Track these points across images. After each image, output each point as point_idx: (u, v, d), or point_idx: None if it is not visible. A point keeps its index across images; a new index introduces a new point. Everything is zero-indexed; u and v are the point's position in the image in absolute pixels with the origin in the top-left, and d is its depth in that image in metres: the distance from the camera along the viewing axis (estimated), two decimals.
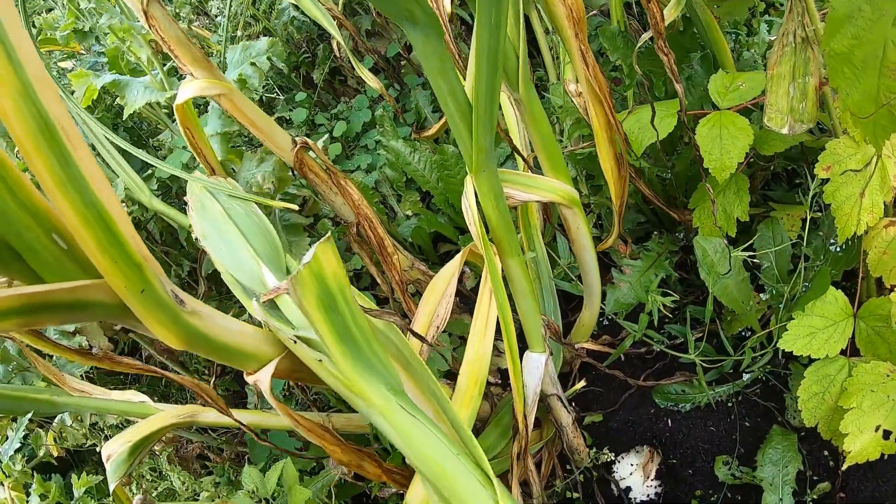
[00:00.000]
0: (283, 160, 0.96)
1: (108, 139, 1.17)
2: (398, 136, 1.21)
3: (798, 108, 0.94)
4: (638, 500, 1.05)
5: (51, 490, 1.07)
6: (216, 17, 1.41)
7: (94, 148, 1.20)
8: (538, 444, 1.03)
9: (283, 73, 1.42)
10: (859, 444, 0.90)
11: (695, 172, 1.04)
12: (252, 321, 0.71)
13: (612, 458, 1.02)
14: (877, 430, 0.90)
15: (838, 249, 0.99)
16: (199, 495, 1.07)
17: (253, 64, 0.97)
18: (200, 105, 1.27)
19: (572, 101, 1.02)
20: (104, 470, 0.94)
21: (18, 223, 0.47)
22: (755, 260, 1.03)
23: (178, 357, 1.28)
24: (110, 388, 1.11)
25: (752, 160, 1.08)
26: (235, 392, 1.30)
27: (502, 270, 0.85)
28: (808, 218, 0.95)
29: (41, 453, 1.22)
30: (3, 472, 1.12)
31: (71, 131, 0.45)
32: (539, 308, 0.88)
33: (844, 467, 0.90)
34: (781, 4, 1.42)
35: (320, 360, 0.58)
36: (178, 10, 1.39)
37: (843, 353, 0.93)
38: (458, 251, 0.99)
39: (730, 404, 1.06)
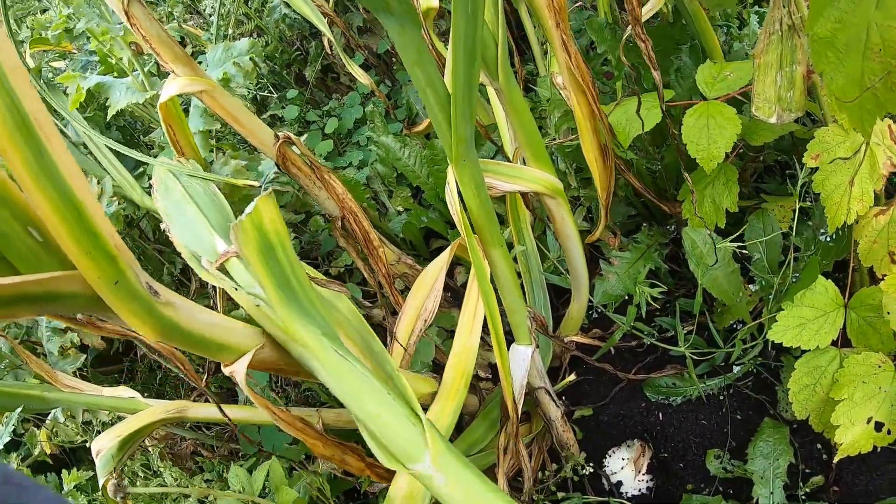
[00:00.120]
0: (268, 156, 0.95)
1: (99, 138, 1.17)
2: (388, 132, 1.20)
3: (786, 97, 0.93)
4: (629, 495, 1.03)
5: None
6: (210, 15, 1.41)
7: (85, 146, 1.20)
8: (527, 437, 1.02)
9: (275, 70, 1.41)
10: (851, 437, 0.88)
11: (686, 164, 1.02)
12: (239, 315, 0.71)
13: (593, 469, 1.00)
14: (868, 421, 0.88)
15: (828, 239, 0.97)
16: (188, 496, 1.06)
17: (236, 63, 0.97)
18: (185, 105, 1.27)
19: (560, 94, 1.01)
20: None
21: None
22: (746, 252, 1.01)
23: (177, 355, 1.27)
24: (105, 386, 1.11)
25: (741, 151, 1.06)
26: (229, 389, 1.29)
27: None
28: (798, 208, 0.94)
29: (36, 451, 1.22)
30: None
31: (46, 125, 0.45)
32: (524, 300, 0.86)
33: (836, 460, 0.88)
34: None
35: (258, 305, 0.60)
36: (170, 9, 1.39)
37: (834, 344, 0.91)
38: (449, 246, 0.98)
39: (721, 397, 1.04)
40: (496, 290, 0.88)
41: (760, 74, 0.93)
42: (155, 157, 1.24)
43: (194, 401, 1.23)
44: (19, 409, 1.13)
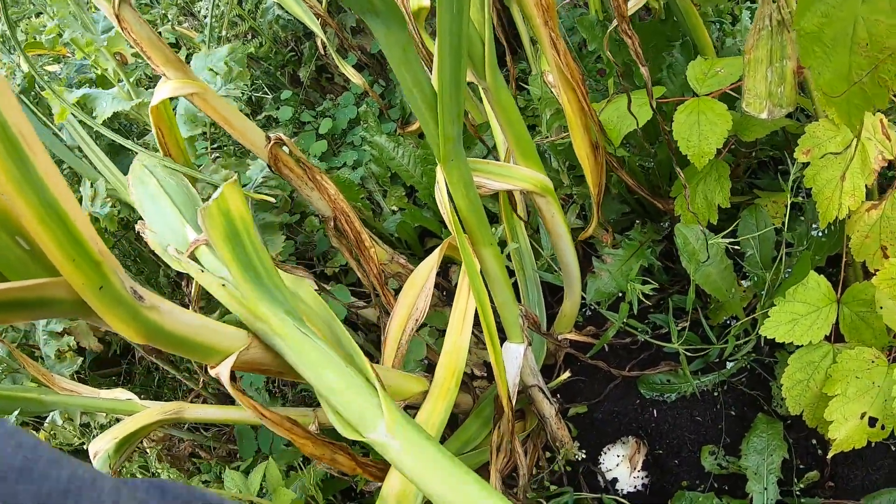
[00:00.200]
0: (260, 157, 0.95)
1: (93, 141, 1.18)
2: (382, 132, 1.20)
3: (777, 93, 0.92)
4: (625, 492, 1.03)
5: None
6: (204, 17, 1.41)
7: (80, 149, 1.20)
8: (521, 434, 1.02)
9: (270, 71, 1.42)
10: (844, 432, 0.87)
11: (678, 160, 1.02)
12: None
13: (584, 456, 1.00)
14: (862, 417, 0.87)
15: (821, 234, 0.97)
16: None
17: (210, 69, 0.98)
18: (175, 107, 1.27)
19: (551, 92, 1.00)
20: None
21: None
22: (740, 248, 1.01)
23: (169, 357, 1.28)
24: (102, 389, 1.11)
25: (734, 147, 1.06)
26: (226, 392, 1.29)
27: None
28: (790, 203, 0.93)
29: None
30: None
31: (29, 137, 0.46)
32: (515, 298, 0.86)
33: (830, 455, 0.87)
34: None
35: (224, 285, 0.64)
36: (164, 11, 1.39)
37: (827, 339, 0.91)
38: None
39: (715, 393, 1.04)
40: (488, 290, 0.88)
41: (751, 70, 0.92)
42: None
43: (192, 402, 1.24)
44: (17, 412, 1.14)
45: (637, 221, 1.10)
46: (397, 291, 1.01)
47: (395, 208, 1.22)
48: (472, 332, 0.98)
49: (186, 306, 1.28)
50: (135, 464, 1.17)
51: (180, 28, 1.40)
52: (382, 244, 1.02)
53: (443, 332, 1.08)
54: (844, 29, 0.70)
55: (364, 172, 1.24)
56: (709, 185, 1.01)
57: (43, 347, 1.12)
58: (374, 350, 1.15)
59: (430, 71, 0.84)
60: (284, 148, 0.94)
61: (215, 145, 1.19)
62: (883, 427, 0.87)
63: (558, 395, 1.11)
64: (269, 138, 0.92)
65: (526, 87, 1.16)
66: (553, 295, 1.17)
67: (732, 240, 0.93)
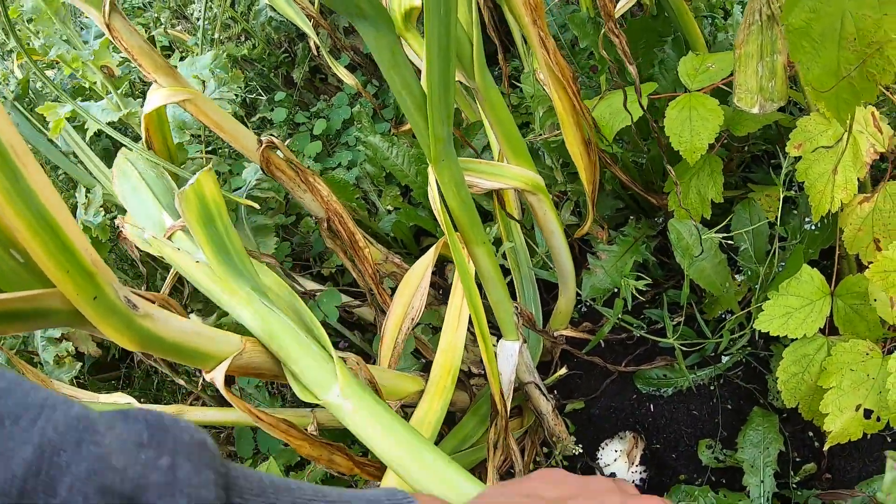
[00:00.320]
0: (252, 161, 0.95)
1: (88, 146, 1.18)
2: (376, 132, 1.20)
3: (768, 87, 0.92)
4: None
5: None
6: (197, 20, 1.41)
7: (75, 155, 1.20)
8: (519, 431, 1.02)
9: (263, 73, 1.42)
10: (840, 424, 0.88)
11: (668, 156, 1.02)
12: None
13: (581, 451, 1.01)
14: (857, 409, 0.88)
15: (814, 228, 0.97)
16: None
17: (195, 76, 0.98)
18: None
19: (543, 89, 1.01)
20: None
21: None
22: (733, 243, 1.01)
23: (168, 360, 1.28)
24: (102, 393, 1.12)
25: (726, 142, 1.06)
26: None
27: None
28: (782, 197, 0.93)
29: None
30: None
31: (21, 150, 0.47)
32: (509, 296, 0.86)
33: (826, 448, 0.88)
34: None
35: (198, 262, 0.70)
36: (157, 15, 1.39)
37: (821, 332, 0.91)
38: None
39: (712, 388, 1.05)
40: (482, 288, 0.89)
41: (741, 65, 0.93)
42: None
43: (191, 405, 1.24)
44: None
45: (631, 217, 1.10)
46: (394, 291, 1.01)
47: (390, 208, 1.22)
48: (470, 330, 0.99)
49: (185, 307, 1.29)
50: None
51: (173, 31, 1.40)
52: (377, 244, 1.02)
53: (439, 331, 1.08)
54: (832, 24, 0.70)
55: (359, 172, 1.24)
56: (702, 180, 1.01)
57: (42, 353, 1.13)
58: (370, 350, 1.15)
59: (420, 72, 0.84)
60: (279, 152, 0.94)
61: (210, 149, 1.20)
62: (878, 419, 0.87)
63: (555, 392, 1.12)
64: (260, 142, 0.93)
65: (519, 84, 1.17)
66: (549, 292, 1.18)
67: (726, 234, 0.94)
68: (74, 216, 1.24)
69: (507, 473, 1.00)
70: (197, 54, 1.17)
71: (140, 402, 1.06)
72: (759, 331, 0.89)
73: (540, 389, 0.95)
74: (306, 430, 0.79)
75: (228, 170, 1.14)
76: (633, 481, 1.03)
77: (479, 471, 0.97)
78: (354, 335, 1.15)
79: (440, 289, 1.20)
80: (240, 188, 1.11)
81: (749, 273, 0.96)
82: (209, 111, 0.94)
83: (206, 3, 1.20)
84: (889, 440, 0.98)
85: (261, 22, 1.37)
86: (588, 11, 1.07)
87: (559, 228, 0.89)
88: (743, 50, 0.92)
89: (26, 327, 0.58)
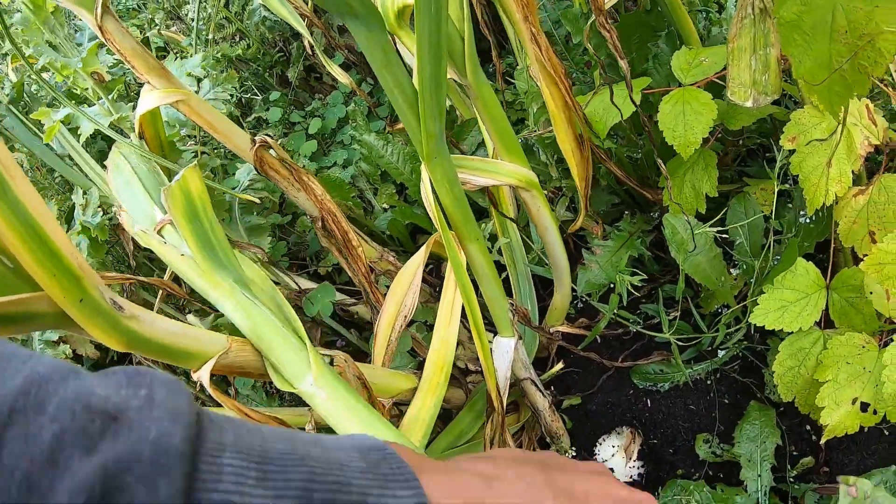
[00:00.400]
0: (246, 160, 0.95)
1: (84, 149, 1.18)
2: (370, 130, 1.19)
3: (761, 81, 0.92)
4: (621, 482, 1.03)
5: None
6: (192, 21, 1.41)
7: (70, 158, 1.20)
8: (515, 426, 1.02)
9: (258, 72, 1.41)
10: (836, 418, 0.87)
11: (659, 151, 1.01)
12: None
13: (574, 452, 1.01)
14: (854, 402, 0.87)
15: (808, 221, 0.96)
16: None
17: (190, 75, 0.98)
18: None
19: (537, 86, 1.00)
20: None
21: None
22: (729, 237, 1.01)
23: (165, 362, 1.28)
24: None
25: (721, 136, 1.05)
26: (223, 391, 1.30)
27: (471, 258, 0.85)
28: (776, 190, 0.93)
29: None
30: None
31: (6, 160, 0.50)
32: (504, 292, 0.86)
33: (822, 441, 0.87)
34: None
35: (182, 255, 0.73)
36: (151, 16, 1.39)
37: (817, 325, 0.91)
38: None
39: (708, 382, 1.04)
40: (477, 285, 0.89)
41: (734, 58, 0.92)
42: None
43: None
44: None
45: (626, 212, 1.10)
46: (388, 288, 1.01)
47: (386, 206, 1.22)
48: (466, 327, 0.99)
49: (183, 309, 1.29)
50: None
51: (168, 32, 1.39)
52: (371, 242, 1.02)
53: (431, 328, 1.08)
54: (823, 17, 0.70)
55: (355, 171, 1.24)
56: (696, 174, 1.00)
57: None
58: (368, 348, 1.15)
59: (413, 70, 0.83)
60: (273, 152, 0.94)
61: (206, 149, 1.19)
62: (875, 412, 0.87)
63: (552, 388, 1.11)
64: (254, 141, 0.92)
65: (514, 81, 1.16)
66: (545, 288, 1.17)
67: (720, 228, 0.93)
68: (72, 217, 1.24)
69: None
70: (191, 55, 1.17)
71: None
72: (755, 325, 0.89)
73: (536, 385, 0.95)
74: (304, 428, 0.79)
75: (221, 166, 1.14)
76: (631, 476, 1.03)
77: None
78: (351, 333, 1.15)
79: (435, 286, 1.20)
80: (234, 188, 1.11)
81: (744, 267, 0.96)
82: (202, 111, 0.94)
83: (200, 3, 1.20)
84: (886, 433, 0.98)
85: (255, 22, 1.36)
86: (581, 7, 1.06)
87: (553, 224, 0.88)
88: (736, 43, 0.92)
89: (16, 330, 0.59)
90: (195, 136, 1.17)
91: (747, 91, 0.92)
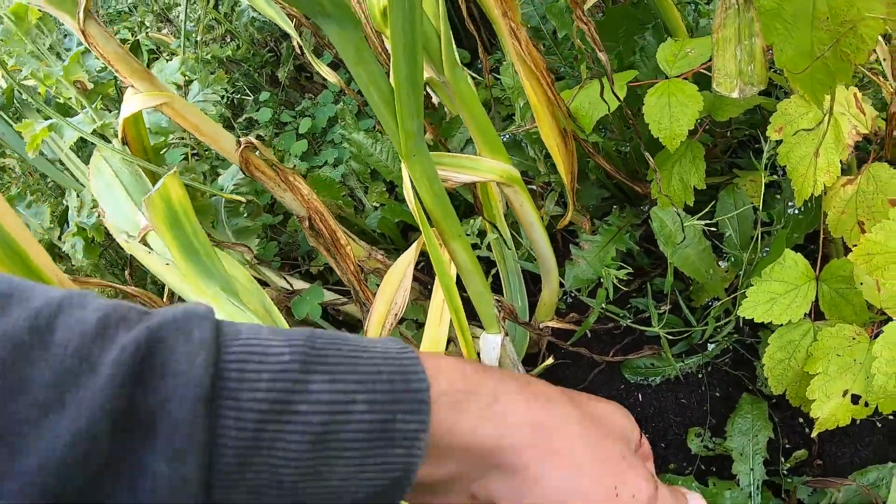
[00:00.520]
0: (232, 162, 0.94)
1: (74, 153, 1.17)
2: (359, 129, 1.18)
3: (747, 71, 0.90)
4: None
5: None
6: (182, 22, 1.40)
7: (61, 162, 1.20)
8: None
9: (249, 73, 1.40)
10: (827, 410, 0.86)
11: (645, 144, 1.00)
12: None
13: None
14: (844, 394, 0.86)
15: (797, 212, 0.94)
16: None
17: (185, 75, 0.98)
18: None
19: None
20: None
21: None
22: (718, 229, 0.99)
23: None
24: None
25: (709, 128, 1.03)
26: None
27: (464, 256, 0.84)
28: (763, 182, 0.91)
29: None
30: None
31: None
32: (489, 289, 0.85)
33: (814, 434, 0.86)
34: None
35: (167, 264, 0.72)
36: (141, 19, 1.38)
37: (807, 317, 0.89)
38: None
39: (700, 375, 1.03)
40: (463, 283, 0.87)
41: (719, 49, 0.90)
42: None
43: None
44: None
45: (615, 206, 1.08)
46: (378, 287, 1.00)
47: (376, 204, 1.21)
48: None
49: None
50: None
51: (159, 35, 1.38)
52: (360, 241, 1.01)
53: (421, 326, 1.07)
54: (804, 4, 0.68)
55: (345, 170, 1.23)
56: (684, 166, 0.99)
57: None
58: None
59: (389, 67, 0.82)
60: (259, 153, 0.93)
61: (195, 152, 1.19)
62: (867, 404, 0.85)
63: None
64: (239, 142, 0.91)
65: (499, 77, 1.15)
66: (537, 284, 1.16)
67: (708, 221, 0.92)
68: (66, 220, 1.24)
69: None
70: (180, 57, 1.16)
71: None
72: (745, 318, 0.87)
73: None
74: None
75: (212, 168, 1.13)
76: None
77: None
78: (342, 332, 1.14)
79: (427, 284, 1.19)
80: (221, 190, 1.10)
81: (732, 259, 0.94)
82: (187, 114, 0.93)
83: (187, 4, 1.19)
84: (880, 425, 0.96)
85: (244, 22, 1.35)
86: (566, 0, 1.04)
87: (537, 220, 0.87)
88: (720, 34, 0.90)
89: None
90: (185, 140, 1.16)
91: (733, 82, 0.90)
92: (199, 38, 1.26)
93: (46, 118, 1.12)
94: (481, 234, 1.06)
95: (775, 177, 0.95)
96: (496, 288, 1.15)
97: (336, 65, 1.39)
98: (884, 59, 0.94)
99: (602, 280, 0.96)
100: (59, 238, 1.19)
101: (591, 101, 0.98)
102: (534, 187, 1.12)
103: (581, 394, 0.45)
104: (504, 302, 0.87)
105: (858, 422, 0.85)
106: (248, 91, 1.41)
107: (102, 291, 1.07)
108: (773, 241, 0.90)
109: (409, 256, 0.94)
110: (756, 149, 1.16)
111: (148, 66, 1.39)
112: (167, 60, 1.25)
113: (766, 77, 0.91)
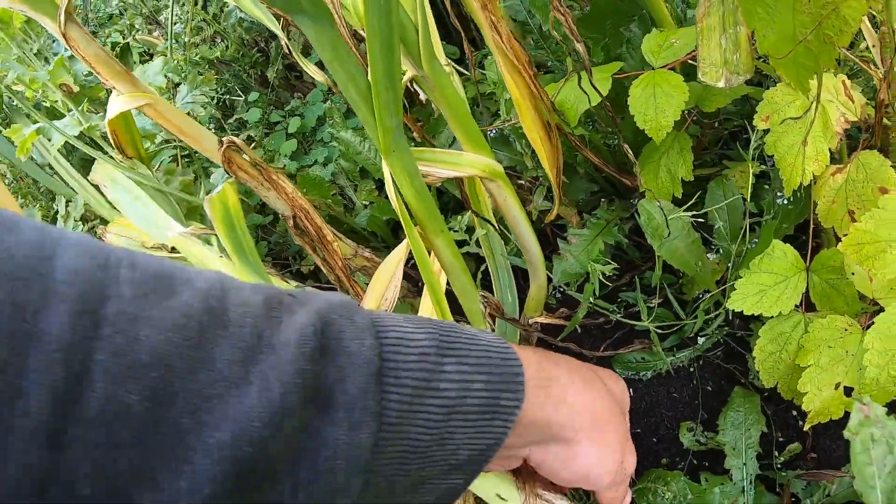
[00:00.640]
0: (216, 162, 0.93)
1: (64, 158, 1.16)
2: (347, 127, 1.16)
3: (732, 60, 0.87)
4: None
5: None
6: (174, 24, 1.39)
7: (51, 167, 1.18)
8: None
9: (238, 73, 1.39)
10: (819, 403, 0.83)
11: (642, 137, 0.98)
12: None
13: None
14: (836, 387, 0.83)
15: (786, 202, 0.92)
16: None
17: (178, 76, 0.96)
18: None
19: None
20: None
21: None
22: (708, 221, 0.97)
23: None
24: None
25: (697, 119, 1.01)
26: None
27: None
28: (751, 172, 0.89)
29: None
30: None
31: None
32: (473, 284, 0.83)
33: (806, 427, 0.84)
34: None
35: (221, 256, 0.81)
36: (130, 22, 1.37)
37: (798, 309, 0.87)
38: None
39: (691, 369, 1.00)
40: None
41: (704, 38, 0.87)
42: None
43: None
44: None
45: (603, 200, 1.06)
46: (367, 286, 0.98)
47: (366, 202, 1.19)
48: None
49: None
50: None
51: (149, 37, 1.37)
52: (345, 239, 0.99)
53: None
54: None
55: (335, 168, 1.21)
56: (671, 158, 0.96)
57: None
58: None
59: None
60: (245, 153, 0.91)
61: (186, 153, 1.17)
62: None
63: None
64: (221, 142, 0.90)
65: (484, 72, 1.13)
66: (527, 279, 1.14)
67: (696, 213, 0.89)
68: (56, 224, 1.23)
69: None
70: (140, 67, 1.15)
71: None
72: (734, 310, 0.85)
73: None
74: None
75: (203, 169, 1.11)
76: None
77: None
78: None
79: (417, 282, 1.17)
80: (209, 191, 1.08)
81: (719, 251, 0.92)
82: (169, 115, 0.91)
83: (174, 6, 1.18)
84: None
85: (231, 23, 1.34)
86: None
87: (521, 214, 0.85)
88: (705, 23, 0.87)
89: None
90: (174, 141, 1.15)
91: (719, 71, 0.88)
92: (187, 40, 1.24)
93: (35, 122, 1.11)
94: (470, 230, 1.04)
95: (764, 167, 0.92)
96: (487, 284, 1.13)
97: (324, 64, 1.37)
98: (873, 46, 0.91)
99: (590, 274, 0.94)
100: None
101: (575, 94, 0.96)
102: (523, 182, 1.10)
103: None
104: (490, 298, 0.85)
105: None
106: (239, 92, 1.39)
107: None
108: (761, 232, 0.87)
109: (400, 252, 0.92)
110: (746, 139, 1.13)
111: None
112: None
113: (752, 65, 0.88)
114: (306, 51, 1.30)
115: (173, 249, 0.95)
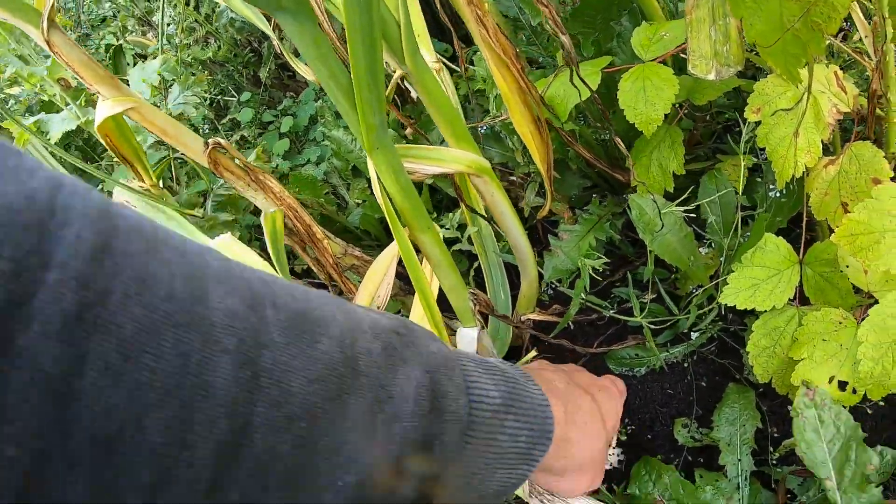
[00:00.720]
0: (202, 164, 0.91)
1: (57, 162, 1.15)
2: (339, 126, 1.15)
3: (722, 52, 0.85)
4: None
5: None
6: (168, 25, 1.38)
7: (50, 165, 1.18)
8: None
9: (231, 73, 1.38)
10: None
11: (634, 132, 0.96)
12: None
13: None
14: (830, 381, 0.81)
15: (779, 195, 0.90)
16: None
17: (144, 81, 0.95)
18: None
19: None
20: None
21: None
22: (700, 216, 0.95)
23: None
24: None
25: (688, 112, 0.99)
26: None
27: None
28: (743, 165, 0.87)
29: None
30: None
31: None
32: (462, 282, 0.82)
33: None
34: None
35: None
36: (122, 24, 1.35)
37: (792, 302, 0.85)
38: None
39: (685, 365, 0.99)
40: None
41: (693, 31, 0.86)
42: (110, 173, 1.22)
43: None
44: None
45: (595, 195, 1.04)
46: (359, 284, 0.97)
47: (358, 201, 1.17)
48: (446, 316, 0.94)
49: None
50: None
51: (141, 38, 1.36)
52: (335, 238, 0.98)
53: None
54: None
55: (327, 167, 1.20)
56: (662, 152, 0.95)
57: None
58: None
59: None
60: (234, 157, 0.90)
61: (177, 154, 1.16)
62: (854, 391, 0.81)
63: None
64: (206, 144, 0.88)
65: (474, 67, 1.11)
66: (517, 277, 1.12)
67: (687, 207, 0.87)
68: None
69: None
70: (140, 65, 1.14)
71: None
72: (728, 305, 0.83)
73: None
74: None
75: (194, 169, 1.10)
76: (611, 464, 0.98)
77: None
78: None
79: (408, 280, 1.16)
80: (206, 193, 1.07)
81: (711, 245, 0.90)
82: (154, 118, 0.90)
83: (164, 6, 1.16)
84: (870, 412, 0.91)
85: (223, 23, 1.32)
86: None
87: (509, 209, 0.83)
88: (694, 15, 0.85)
89: None
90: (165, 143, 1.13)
91: (709, 63, 0.86)
92: (179, 41, 1.23)
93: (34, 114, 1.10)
94: (462, 227, 1.02)
95: (756, 160, 0.90)
96: (480, 282, 1.11)
97: (307, 61, 1.36)
98: (865, 37, 0.89)
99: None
100: None
101: (566, 88, 0.94)
102: (515, 178, 1.08)
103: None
104: (480, 295, 0.83)
105: (848, 409, 0.81)
106: (232, 92, 1.38)
107: None
108: (752, 226, 0.86)
109: (392, 250, 0.91)
110: (739, 133, 1.11)
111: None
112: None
113: (742, 57, 0.86)
114: (297, 51, 1.29)
115: None
